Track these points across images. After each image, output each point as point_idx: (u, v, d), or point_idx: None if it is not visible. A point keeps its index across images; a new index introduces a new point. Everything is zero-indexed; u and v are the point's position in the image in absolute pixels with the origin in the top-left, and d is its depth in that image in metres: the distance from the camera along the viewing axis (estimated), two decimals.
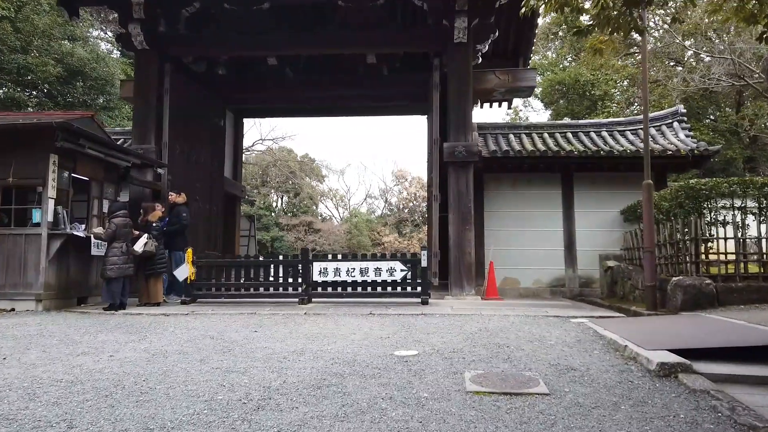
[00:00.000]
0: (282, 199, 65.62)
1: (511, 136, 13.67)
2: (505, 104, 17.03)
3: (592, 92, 20.84)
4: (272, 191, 63.62)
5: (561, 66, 23.07)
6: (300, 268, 10.05)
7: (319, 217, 65.86)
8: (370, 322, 7.73)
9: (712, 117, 19.96)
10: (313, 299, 10.07)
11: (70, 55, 20.70)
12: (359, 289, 10.05)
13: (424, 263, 9.84)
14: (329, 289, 10.11)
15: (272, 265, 10.32)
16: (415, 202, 65.90)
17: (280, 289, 10.19)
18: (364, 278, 9.90)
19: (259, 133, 57.78)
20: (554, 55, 24.10)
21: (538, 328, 7.10)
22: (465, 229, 11.45)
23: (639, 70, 21.22)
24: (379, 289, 10.03)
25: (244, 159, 53.90)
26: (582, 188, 13.09)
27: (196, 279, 10.08)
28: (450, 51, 11.77)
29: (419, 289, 9.89)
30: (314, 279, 9.94)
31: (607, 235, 12.84)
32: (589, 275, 12.80)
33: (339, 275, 9.90)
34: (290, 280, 10.18)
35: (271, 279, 10.22)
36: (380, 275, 9.87)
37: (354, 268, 9.90)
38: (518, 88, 13.48)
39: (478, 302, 10.57)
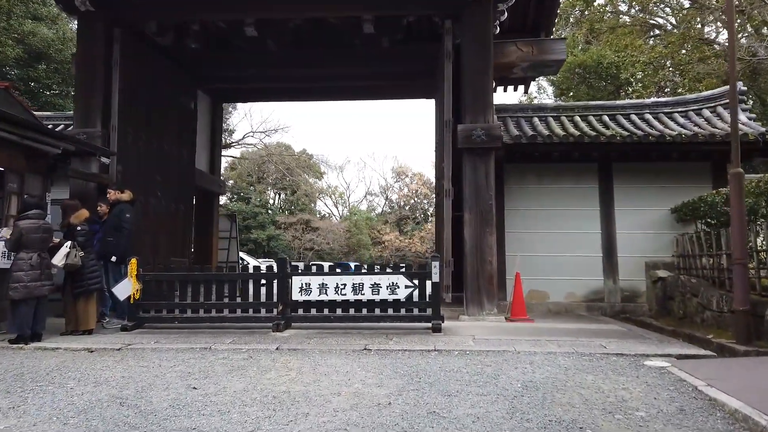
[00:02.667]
0: (279, 196, 63.44)
1: (536, 120, 11.39)
2: (518, 90, 14.82)
3: (618, 75, 18.57)
4: (269, 188, 61.41)
5: (579, 48, 20.77)
6: (275, 283, 7.80)
7: (318, 215, 63.67)
8: (364, 365, 5.48)
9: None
10: (294, 323, 7.83)
11: (32, 34, 18.44)
12: (352, 311, 7.82)
13: (435, 277, 7.59)
14: (313, 311, 7.87)
15: (240, 280, 8.03)
16: (416, 199, 63.72)
17: (251, 311, 7.93)
18: (358, 297, 7.65)
19: (250, 125, 55.08)
20: (570, 38, 21.79)
21: (607, 381, 4.86)
22: (485, 232, 9.18)
23: (669, 50, 18.98)
24: (377, 311, 7.79)
25: (239, 154, 51.65)
26: (624, 182, 10.82)
27: (143, 298, 7.85)
28: (467, 11, 9.50)
29: (429, 311, 7.64)
30: (294, 298, 7.69)
31: (654, 238, 10.58)
32: (633, 287, 10.54)
33: (325, 293, 7.65)
34: (264, 298, 7.92)
35: (239, 299, 7.95)
36: (378, 293, 7.62)
37: (345, 284, 7.65)
38: (544, 62, 11.19)
39: (504, 325, 8.32)
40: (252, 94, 15.13)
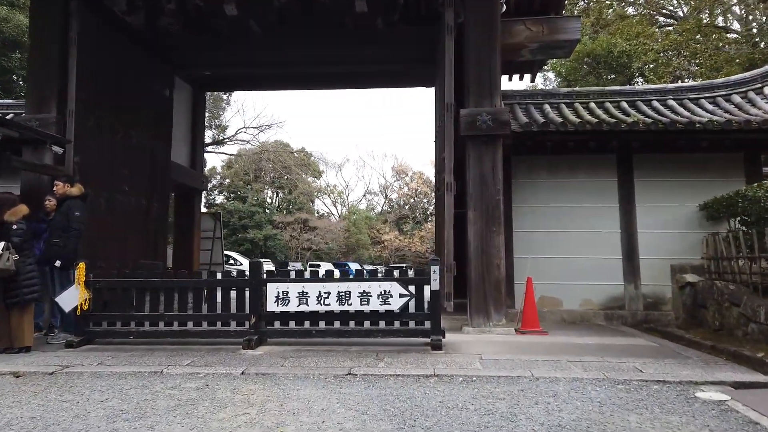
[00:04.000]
0: (276, 195, 62.30)
1: (547, 107, 10.25)
2: (524, 80, 13.68)
3: (630, 65, 17.42)
4: (266, 187, 60.27)
5: (587, 37, 19.60)
6: (247, 292, 6.66)
7: (316, 214, 62.54)
8: (345, 399, 4.34)
9: None
10: (269, 338, 6.69)
11: (5, 21, 17.29)
12: (337, 324, 6.68)
13: (434, 284, 6.45)
14: (292, 324, 6.73)
15: (207, 288, 6.87)
16: (416, 199, 62.61)
17: (219, 323, 6.79)
18: (344, 308, 6.51)
19: (243, 120, 53.68)
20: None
21: (656, 424, 3.75)
22: (492, 231, 8.05)
23: (684, 37, 17.83)
24: (367, 324, 6.65)
25: (236, 151, 50.45)
26: (646, 174, 9.67)
27: (93, 308, 6.71)
28: None
29: (428, 324, 6.50)
30: (269, 309, 6.55)
31: (680, 238, 9.44)
32: (658, 293, 9.40)
33: (306, 303, 6.51)
34: (235, 309, 6.78)
35: (206, 310, 6.79)
36: (368, 303, 6.48)
37: (328, 293, 6.50)
38: (556, 42, 10.02)
39: (514, 339, 7.18)
40: (237, 81, 13.97)
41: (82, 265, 6.59)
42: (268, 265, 40.49)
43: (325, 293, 6.51)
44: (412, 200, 62.89)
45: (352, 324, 6.64)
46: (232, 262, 28.09)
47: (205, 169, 53.25)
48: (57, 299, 6.60)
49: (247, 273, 19.13)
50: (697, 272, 9.14)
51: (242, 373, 5.25)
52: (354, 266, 50.26)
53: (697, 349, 6.76)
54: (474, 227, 8.11)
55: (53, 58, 8.69)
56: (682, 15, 21.29)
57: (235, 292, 6.80)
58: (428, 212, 59.51)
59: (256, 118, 57.63)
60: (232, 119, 68.09)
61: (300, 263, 51.01)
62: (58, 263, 6.80)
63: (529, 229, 9.74)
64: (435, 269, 6.46)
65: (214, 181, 59.86)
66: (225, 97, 34.41)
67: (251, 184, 57.49)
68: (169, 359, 5.83)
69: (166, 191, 11.37)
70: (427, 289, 6.61)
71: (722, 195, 8.59)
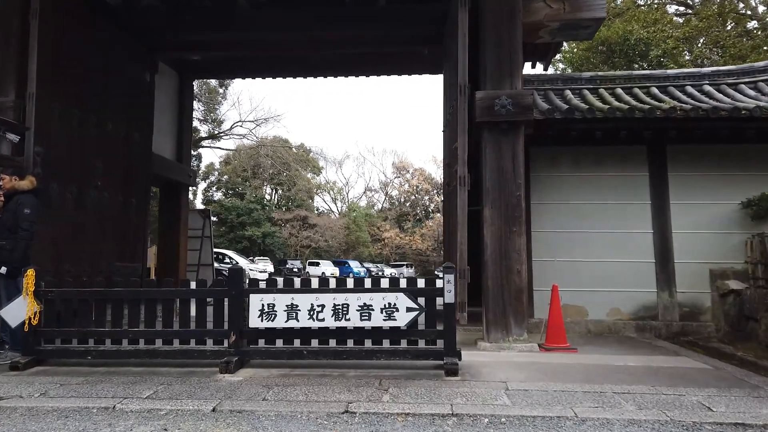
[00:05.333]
0: (275, 192, 61.26)
1: (568, 93, 9.19)
2: (536, 69, 12.57)
3: (648, 53, 16.34)
4: (264, 183, 59.24)
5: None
6: (226, 303, 5.62)
7: (315, 212, 61.52)
8: None
9: None
10: (253, 360, 5.64)
11: None
12: (333, 343, 5.64)
13: (448, 297, 5.41)
14: (279, 343, 5.69)
15: (180, 299, 5.81)
16: (417, 196, 61.55)
17: (192, 341, 5.74)
18: (341, 324, 5.46)
19: (239, 113, 52.48)
20: None
21: None
22: (512, 232, 7.01)
23: (705, 24, 16.74)
24: (368, 343, 5.61)
25: (234, 147, 49.29)
26: (681, 168, 8.62)
27: (45, 323, 5.68)
28: None
29: (440, 344, 5.46)
30: (252, 325, 5.51)
31: (721, 240, 8.40)
32: (695, 302, 8.35)
33: (296, 317, 5.46)
34: (212, 324, 5.73)
35: (177, 326, 5.74)
36: (369, 318, 5.44)
37: (322, 305, 5.46)
38: (578, 21, 8.92)
39: (540, 359, 6.13)
40: (227, 67, 12.88)
41: (30, 273, 5.54)
42: (266, 264, 39.53)
43: (318, 306, 5.46)
44: (413, 197, 61.85)
45: (350, 343, 5.60)
46: (227, 261, 27.10)
47: (202, 165, 52.34)
48: (1, 312, 5.56)
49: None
50: (740, 278, 8.12)
51: (213, 409, 4.21)
52: (354, 264, 49.69)
53: (755, 371, 5.72)
54: (491, 228, 7.06)
55: (12, 34, 7.67)
56: (697, 2, 20.18)
57: (213, 304, 5.75)
58: (429, 210, 58.54)
59: (252, 111, 56.55)
60: (228, 113, 66.89)
61: (299, 261, 50.01)
62: (3, 270, 5.76)
63: (549, 229, 8.70)
64: (449, 278, 5.41)
65: (212, 178, 58.82)
66: (221, 90, 33.33)
67: (249, 181, 56.42)
68: (127, 388, 4.79)
69: (146, 186, 10.32)
70: (438, 301, 5.58)
71: None
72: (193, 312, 5.72)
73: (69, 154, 8.21)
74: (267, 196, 59.56)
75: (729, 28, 16.17)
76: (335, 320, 5.45)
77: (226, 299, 5.59)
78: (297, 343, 5.63)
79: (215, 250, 30.05)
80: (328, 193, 65.95)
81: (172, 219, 12.36)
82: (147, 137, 10.30)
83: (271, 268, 42.09)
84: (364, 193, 66.69)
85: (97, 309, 5.75)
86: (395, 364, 5.52)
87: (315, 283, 5.71)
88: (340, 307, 5.45)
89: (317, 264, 48.68)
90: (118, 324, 5.72)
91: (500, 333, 6.85)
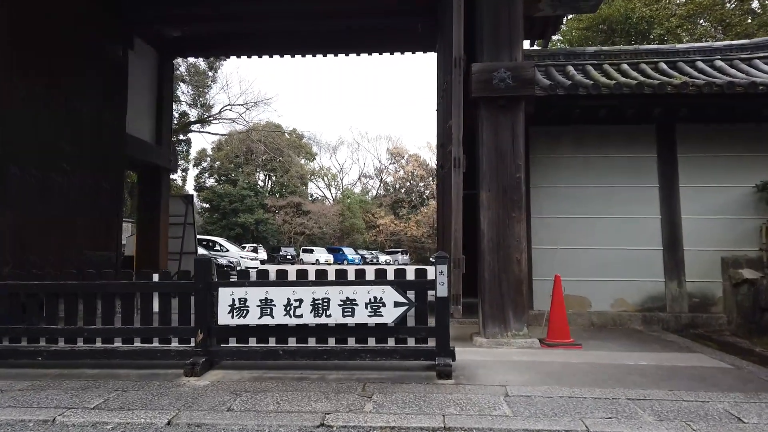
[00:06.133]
0: (269, 178, 60.49)
1: (570, 68, 8.56)
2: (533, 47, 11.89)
3: (650, 32, 15.71)
4: (257, 170, 58.44)
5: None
6: (192, 299, 5.04)
7: (309, 198, 60.83)
8: None
9: None
10: (225, 360, 5.06)
11: None
12: (312, 341, 5.07)
13: (441, 290, 4.84)
14: (253, 342, 5.11)
15: (141, 293, 5.21)
16: (412, 182, 60.89)
17: (156, 340, 5.16)
18: (321, 320, 4.89)
19: (227, 97, 51.34)
20: None
21: None
22: (510, 217, 6.43)
23: (710, 0, 16.06)
24: (351, 341, 5.05)
25: (225, 131, 48.36)
26: (691, 149, 8.04)
27: None
28: None
29: (432, 342, 4.90)
30: (222, 322, 4.93)
31: (733, 225, 7.85)
32: (705, 292, 7.82)
33: (271, 313, 4.89)
34: (177, 322, 5.14)
35: (139, 323, 5.15)
36: (353, 314, 4.86)
37: (300, 300, 4.88)
38: None
39: (544, 359, 5.57)
40: (209, 44, 12.16)
41: None
42: (258, 251, 38.85)
43: (295, 301, 4.88)
44: (408, 183, 61.21)
45: (331, 342, 5.04)
46: (218, 248, 26.50)
47: (193, 150, 51.47)
48: None
49: (231, 261, 17.46)
50: (754, 266, 7.59)
51: (168, 423, 3.64)
52: (349, 251, 49.17)
53: None
54: (488, 213, 6.48)
55: None
56: None
57: (178, 299, 5.15)
58: (424, 196, 57.93)
59: (241, 94, 55.25)
60: (218, 97, 65.67)
61: (293, 248, 49.43)
62: None
63: (549, 214, 8.13)
64: (442, 269, 4.84)
65: (204, 164, 57.96)
66: (210, 73, 32.45)
67: (242, 167, 55.58)
68: (76, 396, 4.21)
69: (120, 169, 9.68)
70: (430, 294, 5.01)
71: None
72: (156, 307, 5.13)
73: (33, 134, 7.56)
74: (260, 183, 58.79)
75: (733, 6, 15.51)
76: (315, 316, 4.88)
77: (192, 294, 5.00)
78: (272, 341, 5.06)
79: (205, 237, 29.52)
80: (322, 179, 65.26)
81: (151, 205, 11.73)
82: (120, 118, 9.63)
83: (264, 255, 41.54)
84: (359, 179, 66.03)
85: (48, 305, 5.15)
86: (381, 365, 4.96)
87: (292, 275, 5.12)
88: (320, 301, 4.87)
89: (311, 251, 48.15)
90: (72, 321, 5.12)
91: (498, 327, 6.30)
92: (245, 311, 4.90)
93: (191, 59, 29.73)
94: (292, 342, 5.04)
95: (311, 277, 5.09)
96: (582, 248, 8.00)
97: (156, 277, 5.19)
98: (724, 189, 7.92)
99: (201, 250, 23.40)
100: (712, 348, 6.36)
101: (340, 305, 4.87)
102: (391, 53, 12.66)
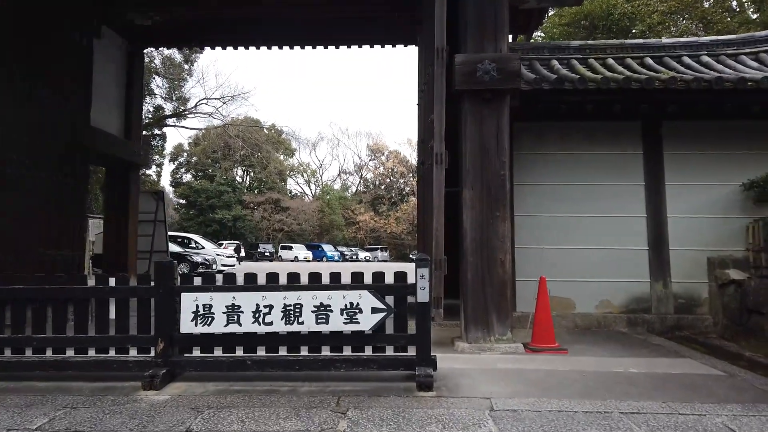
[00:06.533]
0: (247, 174, 59.68)
1: (555, 63, 8.30)
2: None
3: (631, 29, 15.62)
4: (235, 165, 57.57)
5: None
6: (152, 304, 4.64)
7: (288, 194, 60.16)
8: None
9: None
10: (187, 372, 4.67)
11: None
12: (283, 350, 4.72)
13: (422, 295, 4.52)
14: (219, 351, 4.74)
15: (96, 299, 4.79)
16: (392, 178, 60.61)
17: (112, 350, 4.75)
18: (293, 328, 4.53)
19: (204, 90, 50.37)
20: None
21: None
22: (494, 216, 6.14)
23: None
24: (325, 350, 4.70)
25: (202, 125, 47.45)
26: (677, 146, 7.85)
27: None
28: None
29: (412, 350, 4.58)
30: (185, 330, 4.54)
31: (719, 225, 7.68)
32: (691, 293, 7.63)
33: (238, 321, 4.52)
34: (136, 330, 4.74)
35: (94, 331, 4.74)
36: (327, 321, 4.52)
37: (270, 306, 4.52)
38: None
39: (529, 366, 5.29)
40: (180, 34, 11.61)
41: None
42: (241, 250, 38.18)
43: (265, 307, 4.52)
44: (388, 180, 60.93)
45: (304, 351, 4.68)
46: (193, 245, 25.85)
47: (169, 145, 50.48)
48: None
49: (207, 258, 16.92)
50: (741, 266, 7.43)
51: None
52: (328, 248, 48.72)
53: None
54: (471, 212, 6.18)
55: None
56: None
57: (137, 305, 4.75)
58: (404, 192, 57.71)
59: (218, 88, 54.18)
60: (194, 91, 64.45)
61: (271, 245, 48.80)
62: None
63: (533, 213, 7.88)
64: (423, 273, 4.52)
65: (181, 159, 56.93)
66: (186, 66, 31.67)
67: (220, 162, 54.70)
68: (17, 415, 3.80)
69: (83, 163, 9.15)
70: (410, 299, 4.69)
71: None
72: (113, 314, 4.72)
73: None
74: (238, 179, 57.98)
75: (712, 2, 15.47)
76: (286, 324, 4.52)
77: (151, 298, 4.61)
78: (240, 351, 4.69)
79: (180, 234, 28.83)
80: (302, 175, 64.63)
81: (120, 202, 11.20)
82: (83, 108, 9.11)
83: (242, 253, 40.92)
84: (339, 175, 65.55)
85: None
86: (358, 375, 4.62)
87: (261, 279, 4.75)
88: (292, 308, 4.52)
89: (290, 248, 47.63)
90: (18, 330, 4.69)
91: (480, 332, 6.01)
92: (210, 318, 4.52)
93: (167, 51, 29.01)
94: (261, 351, 4.67)
95: (282, 280, 4.72)
96: (566, 248, 7.77)
97: (113, 281, 4.78)
98: (710, 187, 7.75)
99: (175, 248, 22.86)
100: (699, 352, 6.16)
101: (313, 312, 4.52)
102: (371, 46, 12.32)
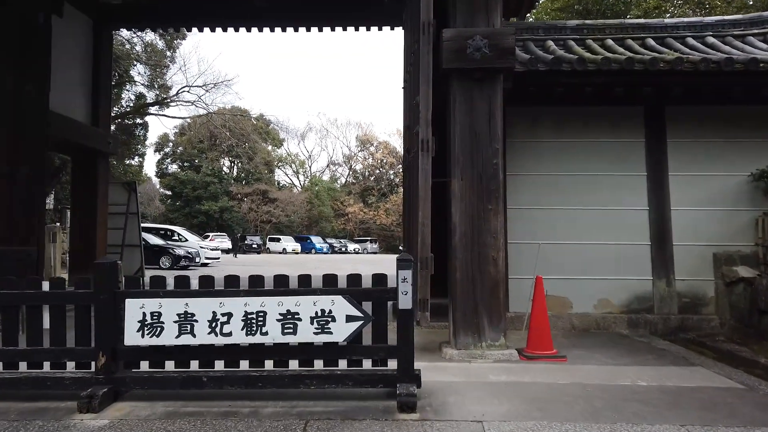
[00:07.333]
0: (234, 164, 58.72)
1: (551, 43, 7.71)
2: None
3: (627, 13, 15.05)
4: (222, 155, 56.59)
5: None
6: (92, 311, 4.02)
7: (276, 186, 59.32)
8: None
9: None
10: (135, 389, 4.05)
11: None
12: (245, 364, 4.12)
13: (405, 301, 3.93)
14: (170, 367, 4.13)
15: (28, 306, 4.16)
16: (381, 170, 59.92)
17: (47, 364, 4.13)
18: (256, 339, 3.93)
19: (186, 78, 49.14)
20: None
21: None
22: (486, 210, 5.56)
23: None
24: (294, 364, 4.11)
25: (187, 115, 46.38)
26: (681, 134, 7.31)
27: None
28: None
29: (392, 364, 4.00)
30: (129, 342, 3.93)
31: (727, 218, 7.16)
32: (696, 291, 7.12)
33: (192, 331, 3.91)
34: (74, 341, 4.11)
35: (25, 344, 4.11)
36: (294, 331, 3.92)
37: (229, 314, 3.92)
38: None
39: (526, 378, 4.74)
40: (152, 14, 10.88)
41: None
42: (222, 241, 37.54)
43: (223, 315, 3.91)
44: (378, 171, 60.26)
45: (268, 365, 4.09)
46: (176, 238, 25.11)
47: (152, 135, 49.39)
48: None
49: (190, 251, 16.21)
50: (749, 263, 6.92)
51: None
52: (317, 240, 48.08)
53: None
54: (460, 204, 5.60)
55: None
56: None
57: (75, 313, 4.12)
58: (394, 184, 57.08)
59: (200, 75, 52.73)
60: (176, 78, 62.98)
61: (259, 237, 48.01)
62: None
63: (527, 205, 7.32)
64: (406, 276, 3.93)
65: (167, 149, 55.82)
66: (169, 53, 30.71)
67: (206, 153, 53.67)
68: None
69: (41, 151, 8.41)
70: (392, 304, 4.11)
71: None
72: (48, 323, 4.09)
73: None
74: (225, 169, 57.02)
75: None
76: (247, 334, 3.92)
77: (91, 305, 3.99)
78: (195, 365, 4.08)
79: (163, 226, 28.05)
80: (290, 166, 63.79)
81: (87, 193, 10.49)
82: (41, 93, 8.38)
83: (228, 245, 40.18)
84: (327, 166, 64.71)
85: None
86: (331, 393, 4.04)
87: (219, 283, 4.13)
88: (255, 316, 3.92)
89: (278, 240, 46.96)
90: None
91: (470, 337, 5.45)
92: (159, 328, 3.91)
93: (147, 38, 28.06)
94: (220, 366, 4.07)
95: (244, 284, 4.12)
96: (562, 243, 7.21)
97: (46, 285, 4.14)
98: (717, 178, 7.21)
99: (157, 240, 22.12)
100: (710, 358, 5.65)
101: (279, 320, 3.92)
102: (356, 28, 11.66)
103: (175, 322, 3.91)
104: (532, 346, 5.48)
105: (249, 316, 3.92)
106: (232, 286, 4.12)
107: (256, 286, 4.10)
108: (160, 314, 3.91)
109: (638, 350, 5.87)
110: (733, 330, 6.69)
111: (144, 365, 4.10)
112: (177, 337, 3.92)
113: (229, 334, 3.92)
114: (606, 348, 5.94)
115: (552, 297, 6.96)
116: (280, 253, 44.67)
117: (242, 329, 3.91)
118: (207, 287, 4.10)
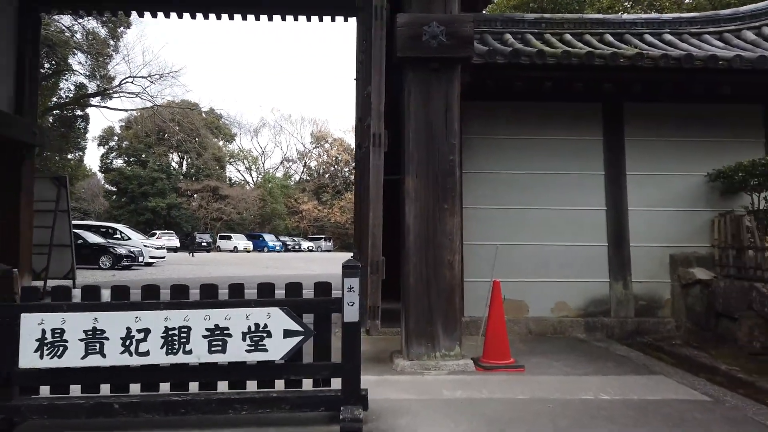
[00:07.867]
0: (183, 160, 56.81)
1: (509, 37, 7.42)
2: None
3: (582, 11, 15.04)
4: (170, 150, 54.64)
5: None
6: None
7: (228, 182, 57.78)
8: None
9: None
10: (33, 419, 3.45)
11: None
12: (166, 388, 3.58)
13: (350, 313, 3.49)
14: (77, 391, 3.55)
15: None
16: (336, 167, 59.27)
17: None
18: (178, 358, 3.41)
19: (128, 68, 47.08)
20: None
21: None
22: (442, 210, 5.17)
23: None
24: (223, 387, 3.60)
25: (132, 107, 44.38)
26: (639, 132, 7.15)
27: None
28: None
29: (336, 383, 3.55)
30: (26, 365, 3.33)
31: (683, 219, 7.03)
32: (653, 293, 6.96)
33: (101, 351, 3.35)
34: None
35: None
36: (224, 349, 3.42)
37: (146, 330, 3.38)
38: None
39: (481, 393, 4.37)
40: None
41: None
42: (170, 239, 36.24)
43: (139, 332, 3.37)
44: (332, 168, 59.61)
45: (193, 388, 3.57)
46: (117, 236, 23.84)
47: (95, 128, 47.07)
48: None
49: (133, 250, 15.25)
50: (705, 265, 6.81)
51: None
52: (269, 237, 47.04)
53: (753, 394, 4.29)
54: (415, 204, 5.19)
55: None
56: None
57: None
58: (349, 181, 56.54)
59: (145, 65, 50.44)
60: (119, 68, 60.13)
61: (209, 234, 46.55)
62: None
63: (482, 205, 7.01)
64: (352, 285, 3.48)
65: (112, 143, 53.44)
66: (112, 42, 29.21)
67: (153, 147, 51.65)
68: None
69: None
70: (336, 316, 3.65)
71: (754, 159, 6.20)
72: None
73: None
74: (173, 165, 55.06)
75: None
76: (168, 353, 3.39)
77: None
78: (106, 390, 3.52)
79: (104, 224, 26.61)
80: (242, 162, 62.27)
81: (9, 187, 9.55)
82: None
83: (175, 243, 38.76)
84: (281, 163, 63.58)
85: None
86: (265, 418, 3.55)
87: (136, 295, 3.58)
88: (176, 332, 3.39)
89: (229, 237, 45.75)
90: None
91: (424, 347, 5.06)
92: (61, 348, 3.33)
93: (89, 25, 26.59)
94: (136, 390, 3.52)
95: (164, 295, 3.58)
96: (518, 244, 6.93)
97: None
98: (674, 177, 7.08)
99: (97, 239, 20.88)
100: (668, 364, 5.44)
101: (205, 336, 3.41)
102: (308, 18, 11.08)
103: (81, 340, 3.34)
104: (488, 355, 5.14)
105: (170, 332, 3.39)
106: (150, 296, 3.57)
107: (179, 297, 3.58)
108: (63, 331, 3.34)
109: (597, 357, 5.62)
110: (689, 333, 6.56)
111: (45, 391, 3.51)
112: (83, 357, 3.35)
113: (147, 353, 3.38)
114: (564, 354, 5.67)
115: (509, 301, 6.65)
116: (231, 251, 43.49)
117: (162, 347, 3.38)
118: (121, 298, 3.53)
